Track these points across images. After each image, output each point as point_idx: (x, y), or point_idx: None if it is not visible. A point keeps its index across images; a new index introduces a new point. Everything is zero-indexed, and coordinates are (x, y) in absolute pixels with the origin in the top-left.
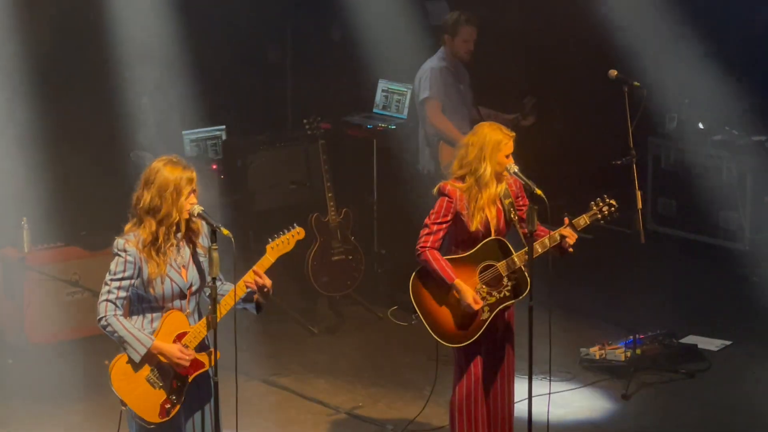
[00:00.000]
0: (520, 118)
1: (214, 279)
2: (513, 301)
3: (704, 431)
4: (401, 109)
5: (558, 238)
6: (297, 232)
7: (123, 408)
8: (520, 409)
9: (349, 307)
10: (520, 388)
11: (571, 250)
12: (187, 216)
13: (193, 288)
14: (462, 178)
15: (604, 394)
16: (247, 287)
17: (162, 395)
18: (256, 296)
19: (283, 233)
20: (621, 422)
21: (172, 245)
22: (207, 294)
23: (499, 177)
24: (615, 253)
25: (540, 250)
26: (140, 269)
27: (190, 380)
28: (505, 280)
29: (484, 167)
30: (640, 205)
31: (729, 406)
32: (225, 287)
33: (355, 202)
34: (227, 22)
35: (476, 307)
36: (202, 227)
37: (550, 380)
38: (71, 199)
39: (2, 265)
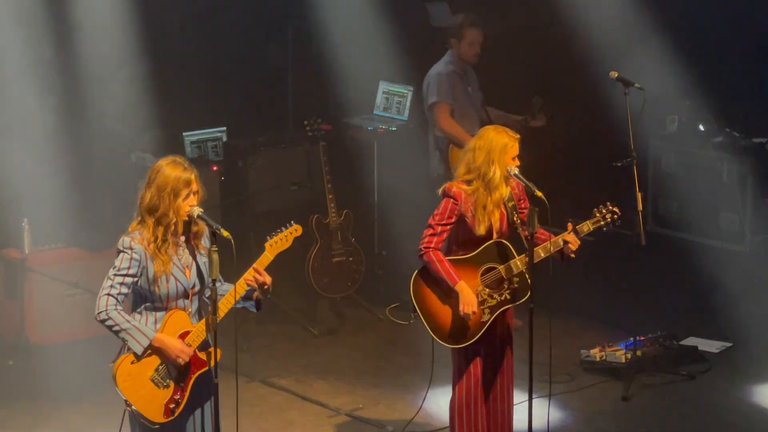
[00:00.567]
0: (529, 119)
1: (214, 281)
2: (514, 304)
3: None
4: (402, 111)
5: (561, 243)
6: (295, 230)
7: (127, 408)
8: (519, 410)
9: (350, 308)
10: (520, 389)
11: (573, 255)
12: (185, 218)
13: (196, 289)
14: (468, 182)
15: (604, 396)
16: (248, 285)
17: (166, 395)
18: (256, 294)
19: (281, 231)
20: (621, 424)
21: (170, 245)
22: (206, 296)
23: (506, 180)
24: (615, 255)
25: (543, 255)
26: (145, 267)
27: (193, 379)
28: (507, 283)
29: (494, 170)
30: (640, 207)
31: (729, 408)
32: (225, 287)
33: (355, 203)
34: (228, 23)
35: (471, 315)
36: (205, 228)
37: (550, 382)
38: (72, 201)
39: (3, 266)
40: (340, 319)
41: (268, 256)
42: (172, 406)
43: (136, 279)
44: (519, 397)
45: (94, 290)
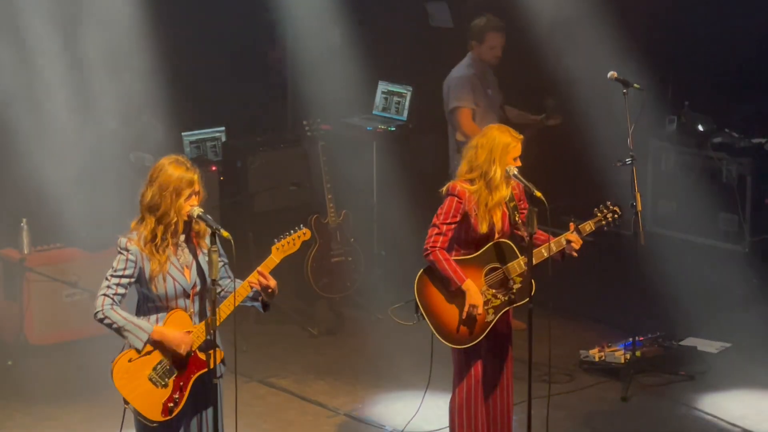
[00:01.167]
0: (546, 118)
1: (213, 281)
2: (518, 304)
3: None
4: (401, 111)
5: (564, 242)
6: (303, 233)
7: (125, 406)
8: (519, 411)
9: (349, 308)
10: (519, 389)
11: (575, 254)
12: (186, 218)
13: (197, 288)
14: (471, 181)
15: (603, 396)
16: (252, 287)
17: (165, 394)
18: (261, 297)
19: (289, 234)
20: (620, 424)
21: (169, 245)
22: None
23: (508, 180)
24: (615, 255)
25: (545, 255)
26: (141, 268)
27: (193, 380)
28: (510, 283)
29: (494, 170)
30: (639, 207)
31: (728, 409)
32: (233, 285)
33: (354, 203)
34: (228, 23)
35: (478, 315)
36: (207, 229)
37: (549, 382)
38: (71, 201)
39: (2, 266)
40: (339, 319)
41: (273, 259)
42: (170, 405)
43: (132, 279)
44: (518, 398)
45: (93, 290)
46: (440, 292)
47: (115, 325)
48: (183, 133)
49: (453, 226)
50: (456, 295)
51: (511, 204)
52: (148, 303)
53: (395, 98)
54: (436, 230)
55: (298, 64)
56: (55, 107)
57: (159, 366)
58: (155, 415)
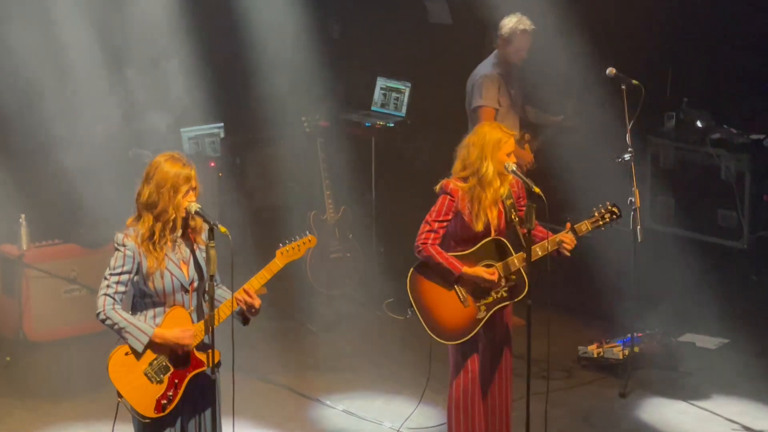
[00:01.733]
0: (566, 119)
1: (211, 277)
2: (511, 301)
3: (702, 430)
4: (399, 107)
5: (557, 242)
6: (308, 240)
7: (119, 400)
8: (517, 407)
9: (347, 304)
10: (517, 386)
11: (567, 254)
12: (184, 214)
13: (195, 284)
14: (465, 179)
15: (601, 393)
16: (237, 303)
17: (159, 390)
18: (244, 312)
19: (295, 239)
20: (618, 421)
21: (167, 241)
22: (204, 291)
23: (501, 176)
24: (613, 252)
25: (540, 253)
26: (139, 264)
27: (188, 378)
28: (504, 280)
29: (486, 166)
30: (638, 204)
31: (727, 405)
32: (219, 292)
33: (353, 200)
34: (226, 20)
35: (492, 277)
36: (203, 224)
37: (548, 378)
38: (70, 197)
39: (1, 262)
40: (337, 315)
41: (277, 263)
42: (164, 402)
43: (132, 275)
44: (517, 394)
45: (92, 286)
46: (432, 289)
47: (116, 327)
48: (181, 129)
49: (445, 224)
50: (447, 291)
51: (508, 201)
52: (145, 298)
53: (394, 94)
54: (428, 227)
55: (297, 60)
56: (56, 105)
57: (155, 362)
58: (148, 411)
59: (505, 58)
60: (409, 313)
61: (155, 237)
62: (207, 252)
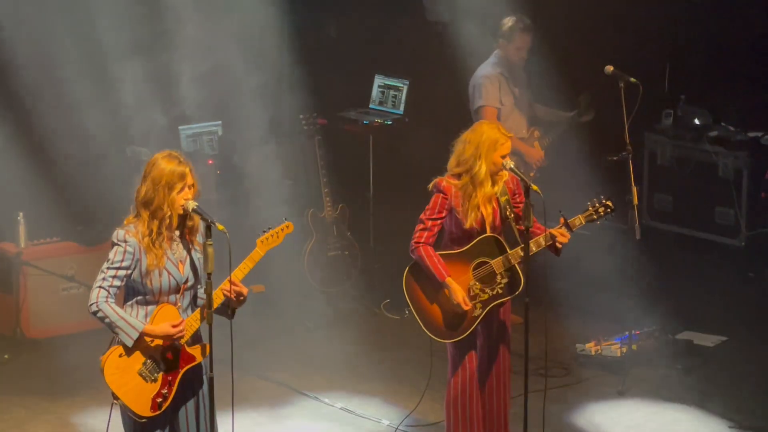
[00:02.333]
0: (578, 115)
1: (209, 274)
2: (506, 298)
3: (700, 427)
4: (397, 105)
5: (550, 237)
6: (286, 226)
7: (114, 402)
8: (515, 404)
9: (345, 302)
10: (515, 383)
11: (559, 245)
12: (180, 211)
13: (188, 284)
14: (458, 176)
15: (599, 390)
16: (224, 294)
17: (154, 389)
18: (230, 303)
19: (273, 227)
20: (617, 418)
21: (165, 239)
22: (203, 290)
23: (494, 177)
24: (611, 249)
25: (535, 249)
26: (138, 261)
27: (181, 374)
28: (499, 277)
29: (479, 165)
30: (636, 201)
31: (725, 402)
32: (200, 293)
33: (351, 197)
34: (224, 18)
35: (465, 308)
36: (200, 224)
37: (546, 376)
38: (68, 195)
39: None
40: (335, 312)
41: (258, 252)
42: (159, 400)
43: (129, 272)
44: (515, 391)
45: (89, 284)
46: (427, 287)
47: (107, 320)
48: (180, 127)
49: (438, 221)
50: (442, 290)
51: (503, 198)
52: (138, 296)
53: (392, 92)
54: (422, 226)
55: (294, 58)
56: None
57: (148, 361)
58: (144, 410)
59: (506, 57)
60: (407, 312)
61: (153, 234)
62: (204, 250)
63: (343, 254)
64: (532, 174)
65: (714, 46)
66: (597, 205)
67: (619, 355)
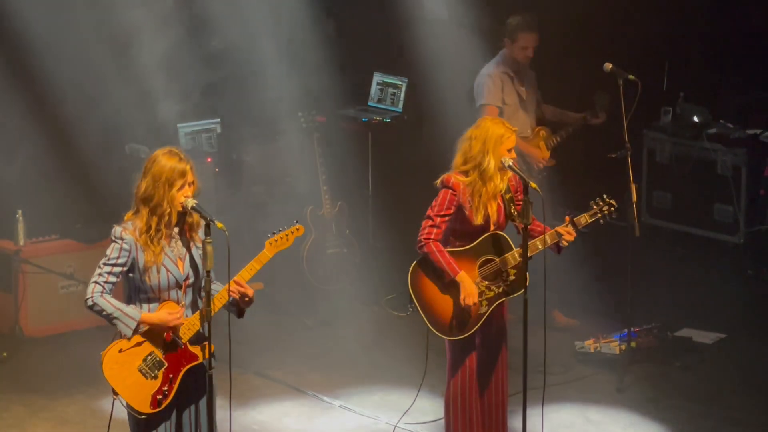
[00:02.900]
0: (590, 116)
1: (208, 272)
2: (511, 296)
3: (699, 425)
4: (396, 102)
5: (557, 235)
6: (296, 229)
7: (114, 397)
8: (514, 402)
9: (344, 300)
10: (514, 381)
11: (565, 244)
12: (179, 209)
13: (189, 281)
14: (465, 173)
15: (598, 387)
16: (230, 296)
17: (154, 386)
18: (238, 304)
19: (283, 229)
20: (615, 415)
21: (164, 236)
22: (201, 285)
23: (502, 171)
24: (610, 246)
25: (540, 247)
26: (135, 258)
27: (182, 372)
28: (504, 275)
29: (488, 161)
30: (634, 198)
31: (723, 400)
32: (214, 287)
33: (350, 195)
34: (223, 16)
35: (472, 307)
36: (201, 221)
37: (544, 373)
38: (66, 192)
39: None
40: (334, 310)
41: (266, 254)
42: (159, 397)
43: (125, 269)
44: (513, 389)
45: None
46: (434, 283)
47: (104, 313)
48: (178, 125)
49: (447, 218)
50: (449, 286)
51: (507, 196)
52: (140, 294)
53: (390, 90)
54: (430, 222)
55: (293, 55)
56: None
57: (149, 357)
58: (144, 406)
59: (512, 56)
60: (410, 309)
61: (151, 231)
62: (204, 247)
63: (342, 252)
64: (541, 166)
65: (713, 43)
66: (601, 203)
67: (617, 352)
